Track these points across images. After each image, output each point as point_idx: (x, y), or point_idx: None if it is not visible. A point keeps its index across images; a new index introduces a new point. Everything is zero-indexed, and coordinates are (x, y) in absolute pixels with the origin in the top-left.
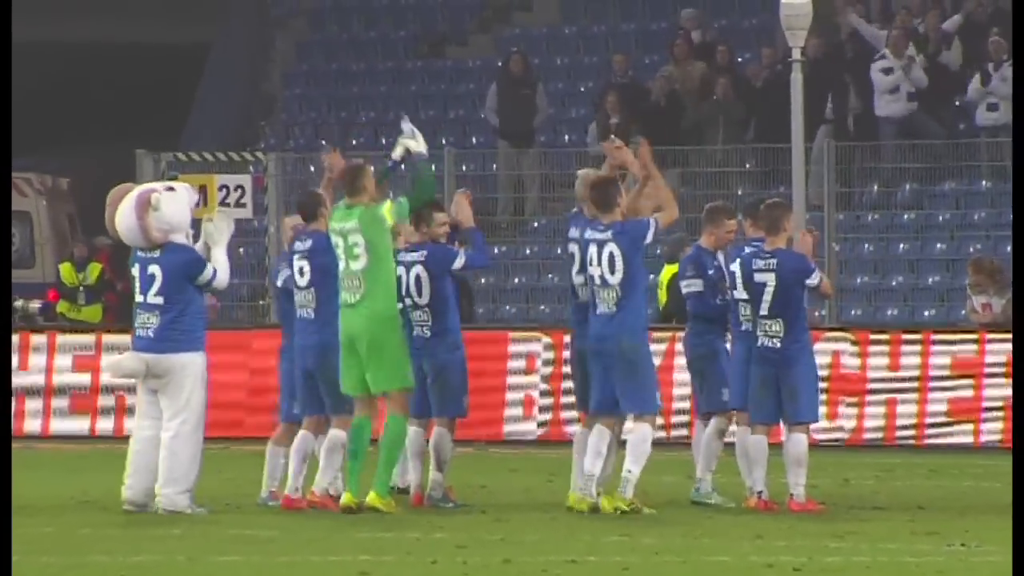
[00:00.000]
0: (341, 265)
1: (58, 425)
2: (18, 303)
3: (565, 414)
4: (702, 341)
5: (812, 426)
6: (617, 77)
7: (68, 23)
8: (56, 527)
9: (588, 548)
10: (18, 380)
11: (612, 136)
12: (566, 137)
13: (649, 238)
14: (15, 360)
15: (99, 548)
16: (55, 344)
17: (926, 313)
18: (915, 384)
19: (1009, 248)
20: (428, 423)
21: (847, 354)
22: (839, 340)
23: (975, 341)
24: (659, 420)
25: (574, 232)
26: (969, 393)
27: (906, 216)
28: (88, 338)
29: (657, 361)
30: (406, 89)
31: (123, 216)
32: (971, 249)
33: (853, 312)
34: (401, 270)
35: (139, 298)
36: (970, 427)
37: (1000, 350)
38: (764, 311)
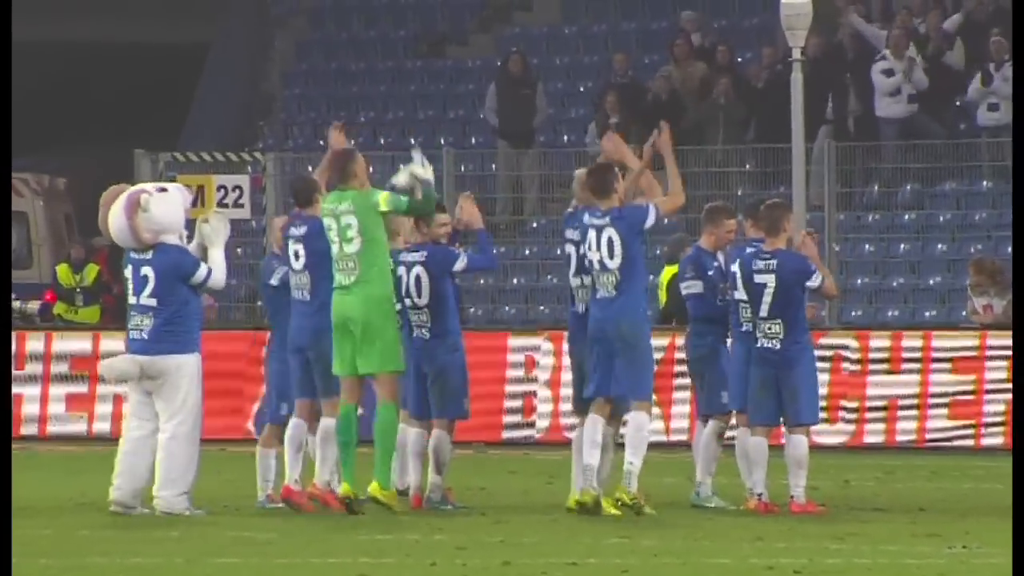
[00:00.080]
0: (335, 248)
1: (55, 426)
2: (16, 304)
3: (564, 416)
4: (702, 342)
5: (812, 427)
6: (617, 77)
7: (66, 23)
8: (54, 529)
9: (588, 550)
10: (15, 381)
11: (610, 132)
12: (566, 137)
13: (649, 223)
14: (13, 361)
15: (97, 550)
16: (52, 345)
17: (927, 314)
18: (916, 385)
19: (1010, 249)
20: (430, 425)
21: (848, 355)
22: (840, 340)
23: (976, 342)
24: (658, 416)
25: (570, 233)
26: (970, 394)
27: (907, 216)
28: (85, 339)
29: (657, 357)
30: (406, 89)
31: (114, 217)
32: (972, 250)
33: (854, 313)
34: (401, 270)
35: (132, 300)
36: (971, 429)
37: (1001, 351)
38: (764, 312)
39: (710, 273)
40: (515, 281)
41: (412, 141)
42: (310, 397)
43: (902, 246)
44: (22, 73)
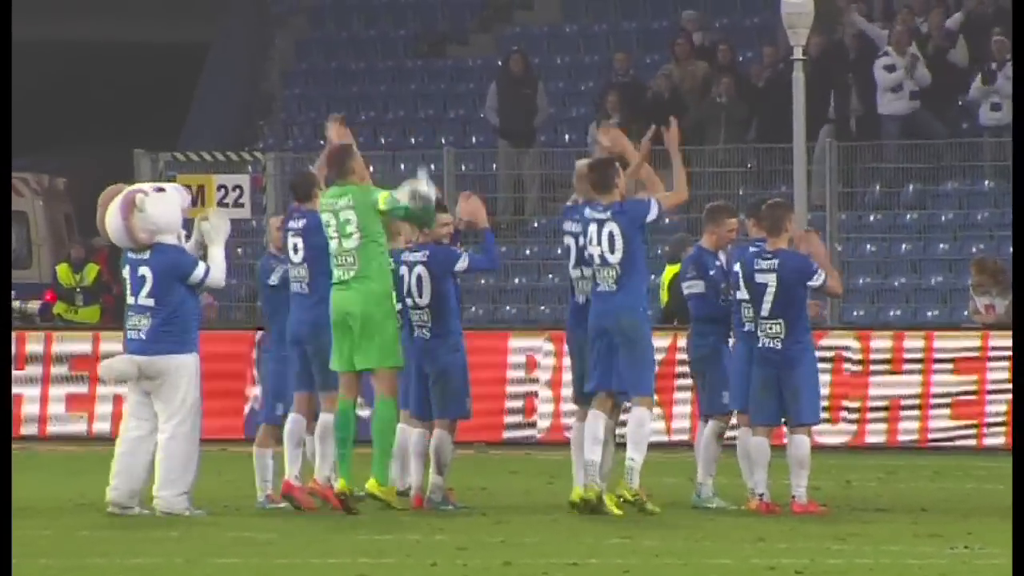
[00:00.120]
0: (333, 244)
1: (55, 427)
2: (15, 303)
3: (566, 416)
4: (704, 342)
5: (814, 427)
6: (618, 76)
7: (66, 22)
8: (54, 529)
9: (589, 551)
10: (15, 381)
11: (607, 124)
12: (567, 137)
13: (651, 217)
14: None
15: (97, 550)
16: (52, 345)
17: (929, 314)
18: (918, 385)
19: (1012, 249)
20: (431, 425)
21: (849, 355)
22: (841, 340)
23: (978, 341)
24: (660, 416)
25: (569, 225)
26: (972, 394)
27: (909, 216)
28: (85, 339)
29: (658, 358)
30: (406, 88)
31: (111, 217)
32: (974, 249)
33: (856, 313)
34: (403, 270)
35: (130, 300)
36: (973, 429)
37: (1004, 351)
38: (765, 312)
39: (711, 273)
40: (516, 281)
41: (415, 144)
42: (308, 390)
43: (904, 246)
44: (22, 73)
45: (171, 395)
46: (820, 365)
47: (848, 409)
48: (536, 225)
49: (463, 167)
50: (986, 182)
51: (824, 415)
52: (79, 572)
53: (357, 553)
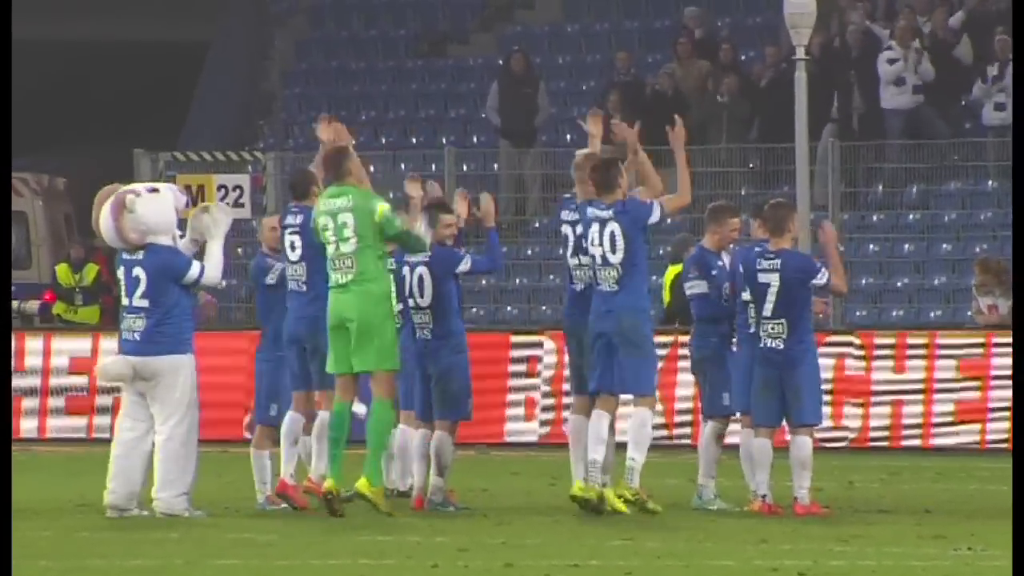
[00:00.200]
0: (330, 249)
1: (55, 427)
2: (15, 303)
3: (567, 416)
4: (706, 343)
5: (816, 429)
6: (620, 76)
7: (66, 21)
8: (54, 530)
9: (591, 552)
10: (15, 382)
11: (594, 110)
12: (568, 136)
13: (653, 219)
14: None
15: (96, 552)
16: (51, 345)
17: (932, 314)
18: (921, 386)
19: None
20: (433, 426)
21: (852, 356)
22: (844, 343)
23: (982, 343)
24: (659, 407)
25: (566, 214)
26: (975, 395)
27: (911, 216)
28: (85, 339)
29: (660, 362)
30: (407, 88)
31: (103, 218)
32: (977, 249)
33: (858, 313)
34: (405, 271)
35: (125, 301)
36: (976, 429)
37: (1006, 351)
38: (767, 312)
39: (714, 273)
40: (517, 281)
41: (416, 144)
42: (306, 389)
43: (907, 246)
44: (22, 72)
45: (167, 396)
46: (822, 364)
47: (851, 408)
48: (537, 225)
49: (464, 167)
50: (989, 182)
51: (826, 416)
52: (79, 573)
53: (358, 555)
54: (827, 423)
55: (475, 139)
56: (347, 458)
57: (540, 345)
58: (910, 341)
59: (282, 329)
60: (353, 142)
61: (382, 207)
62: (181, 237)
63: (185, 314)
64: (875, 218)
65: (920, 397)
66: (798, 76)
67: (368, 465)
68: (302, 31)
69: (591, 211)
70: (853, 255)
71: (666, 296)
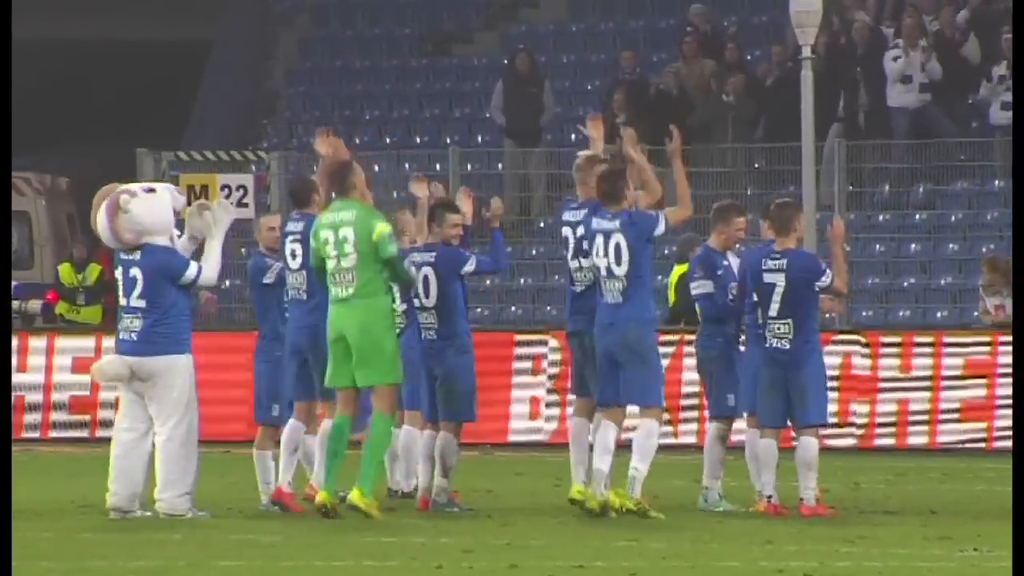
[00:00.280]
0: (331, 264)
1: (57, 428)
2: (16, 303)
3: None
4: (712, 343)
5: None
6: (625, 75)
7: (68, 21)
8: (55, 531)
9: (596, 553)
10: (17, 381)
11: (593, 112)
12: (573, 136)
13: (659, 231)
14: (14, 362)
15: (98, 553)
16: (54, 346)
17: (938, 314)
18: (927, 386)
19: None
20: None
21: (858, 356)
22: (850, 342)
23: (988, 343)
24: (666, 415)
25: (567, 216)
26: (982, 396)
27: (918, 216)
28: (87, 339)
29: (665, 363)
30: (411, 87)
31: (99, 218)
32: (984, 249)
33: (864, 313)
34: (411, 271)
35: (122, 301)
36: (983, 430)
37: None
38: (773, 312)
39: (719, 273)
40: (522, 281)
41: (421, 144)
42: (308, 399)
43: (913, 246)
44: (25, 72)
45: (165, 396)
46: (828, 364)
47: (857, 409)
48: (542, 225)
49: (469, 166)
50: (996, 182)
51: (832, 416)
52: (81, 574)
53: (361, 556)
54: (832, 420)
55: (479, 139)
56: (349, 458)
57: (544, 344)
58: (916, 340)
59: (280, 329)
60: (349, 156)
61: (382, 227)
62: (180, 237)
63: (183, 314)
64: (881, 218)
65: (927, 395)
66: (804, 75)
67: (362, 477)
68: (306, 30)
69: (596, 222)
70: (859, 255)
71: (671, 296)
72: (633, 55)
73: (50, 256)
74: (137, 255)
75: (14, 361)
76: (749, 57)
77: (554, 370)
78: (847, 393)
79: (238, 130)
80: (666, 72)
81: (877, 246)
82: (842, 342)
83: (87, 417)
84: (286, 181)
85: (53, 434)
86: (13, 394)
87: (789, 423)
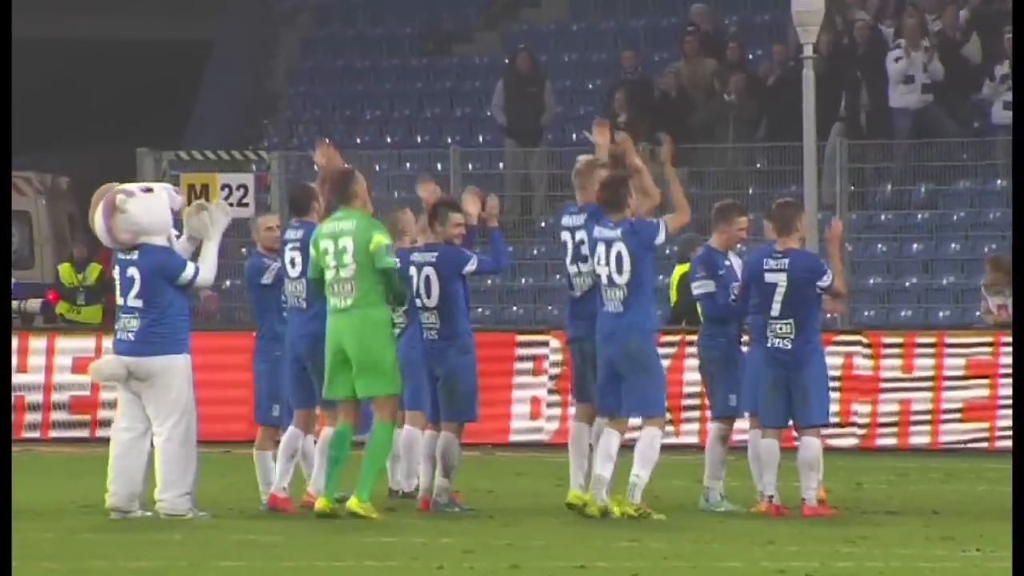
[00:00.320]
0: (329, 274)
1: (58, 428)
2: (15, 303)
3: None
4: (714, 343)
5: (824, 430)
6: (626, 74)
7: (68, 20)
8: (56, 532)
9: (597, 553)
10: (18, 381)
11: (598, 120)
12: (574, 135)
13: (659, 240)
14: (14, 362)
15: (99, 553)
16: (54, 346)
17: (940, 314)
18: (929, 386)
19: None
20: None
21: (860, 356)
22: (852, 342)
23: (990, 343)
24: (667, 415)
25: (567, 220)
26: (984, 396)
27: (920, 216)
28: (88, 339)
29: (666, 363)
30: (412, 86)
31: (96, 218)
32: (986, 249)
33: (866, 313)
34: (411, 271)
35: (120, 301)
36: (985, 430)
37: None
38: (775, 312)
39: (721, 272)
40: (523, 281)
41: (421, 143)
42: (308, 407)
43: (915, 246)
44: (26, 71)
45: (163, 397)
46: (829, 364)
47: (858, 410)
48: (543, 225)
49: (470, 166)
50: (999, 181)
51: (834, 416)
52: (81, 575)
53: (363, 556)
54: (834, 420)
55: (480, 138)
56: (351, 458)
57: (546, 345)
58: (918, 340)
59: (278, 329)
60: (344, 166)
61: (379, 238)
62: (178, 237)
63: (180, 314)
64: (883, 217)
65: (929, 395)
66: (806, 74)
67: (361, 482)
68: (307, 29)
69: (598, 230)
70: (861, 255)
71: (673, 295)
72: (634, 54)
73: (51, 256)
74: (135, 255)
75: (15, 361)
76: (751, 56)
77: (555, 370)
78: (849, 393)
79: (239, 130)
80: (667, 72)
81: (879, 246)
82: (844, 342)
83: (87, 417)
84: (287, 181)
85: (53, 434)
86: (14, 394)
87: (791, 423)
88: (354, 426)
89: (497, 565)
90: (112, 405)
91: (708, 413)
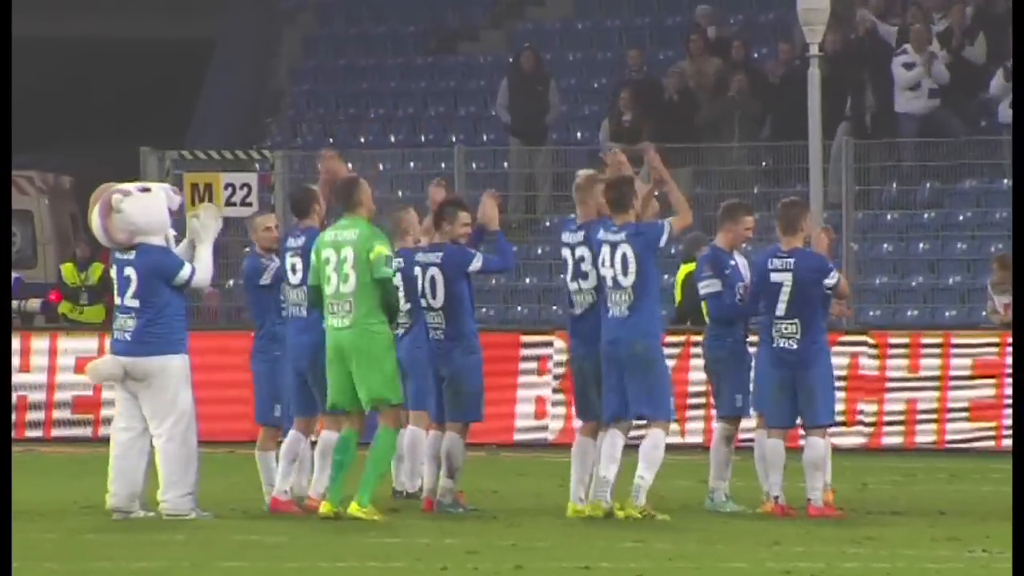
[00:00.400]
0: (328, 288)
1: (60, 428)
2: (16, 303)
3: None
4: (720, 344)
5: (830, 430)
6: (631, 73)
7: (71, 19)
8: (58, 532)
9: (601, 554)
10: (20, 381)
11: (611, 147)
12: (579, 134)
13: (663, 242)
14: (16, 362)
15: (102, 554)
16: (57, 346)
17: (947, 314)
18: (936, 386)
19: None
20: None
21: (866, 356)
22: (858, 342)
23: (996, 343)
24: (673, 423)
25: (566, 237)
26: (990, 396)
27: (926, 215)
28: (90, 339)
29: (671, 363)
30: (416, 85)
31: (93, 217)
32: (992, 249)
33: (872, 313)
34: (417, 271)
35: (117, 300)
36: (992, 430)
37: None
38: (780, 311)
39: (727, 272)
40: (527, 281)
41: (425, 142)
42: (310, 415)
43: (921, 245)
44: (27, 70)
45: (159, 397)
46: (835, 364)
47: (864, 410)
48: (548, 224)
49: (474, 165)
50: (1005, 180)
51: (839, 416)
52: (84, 575)
53: (366, 557)
54: (840, 420)
55: (485, 137)
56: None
57: (550, 345)
58: (924, 340)
59: (277, 329)
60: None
61: (380, 248)
62: (177, 237)
63: (177, 314)
64: (889, 217)
65: (935, 395)
66: (811, 73)
67: (363, 486)
68: (310, 28)
69: (602, 233)
70: (867, 254)
71: (678, 295)
72: (639, 53)
73: (53, 255)
74: (132, 255)
75: (17, 361)
76: (756, 55)
77: (560, 370)
78: (855, 393)
79: (242, 129)
80: (673, 72)
81: (885, 245)
82: (850, 342)
83: (90, 416)
84: (290, 180)
85: (56, 433)
86: (16, 394)
87: (799, 422)
88: (359, 432)
89: (501, 566)
90: (113, 405)
91: (714, 412)
